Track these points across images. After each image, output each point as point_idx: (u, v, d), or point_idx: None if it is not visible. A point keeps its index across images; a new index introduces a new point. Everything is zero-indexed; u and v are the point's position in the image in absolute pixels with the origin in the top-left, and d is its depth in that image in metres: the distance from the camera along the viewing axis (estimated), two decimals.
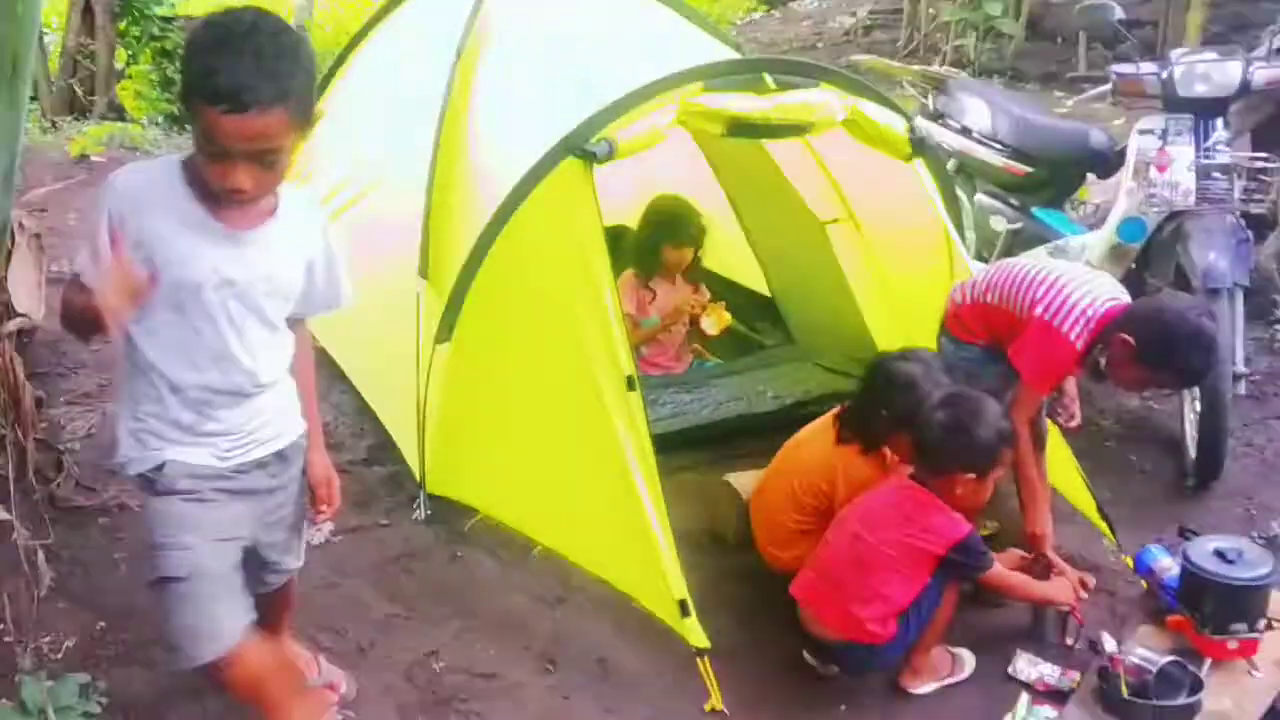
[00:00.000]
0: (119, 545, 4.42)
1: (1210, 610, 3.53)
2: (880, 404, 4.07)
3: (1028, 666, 3.84)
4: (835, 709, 3.85)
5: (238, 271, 2.69)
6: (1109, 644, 3.55)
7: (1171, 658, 3.46)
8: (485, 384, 4.43)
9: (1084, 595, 4.03)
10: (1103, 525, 4.47)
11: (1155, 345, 3.78)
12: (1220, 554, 3.57)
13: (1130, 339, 3.79)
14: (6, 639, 3.77)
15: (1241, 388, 5.15)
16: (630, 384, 4.03)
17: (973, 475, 3.72)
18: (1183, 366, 3.83)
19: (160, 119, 10.83)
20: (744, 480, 4.64)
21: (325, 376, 5.62)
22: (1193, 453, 4.86)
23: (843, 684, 3.93)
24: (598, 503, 4.13)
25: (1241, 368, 4.97)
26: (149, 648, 3.87)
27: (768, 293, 6.11)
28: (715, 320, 5.53)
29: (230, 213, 2.66)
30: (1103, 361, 4.01)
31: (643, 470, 3.99)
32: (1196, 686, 3.42)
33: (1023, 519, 4.18)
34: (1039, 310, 3.99)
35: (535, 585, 4.35)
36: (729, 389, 5.37)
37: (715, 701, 3.79)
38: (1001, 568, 3.84)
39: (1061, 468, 4.49)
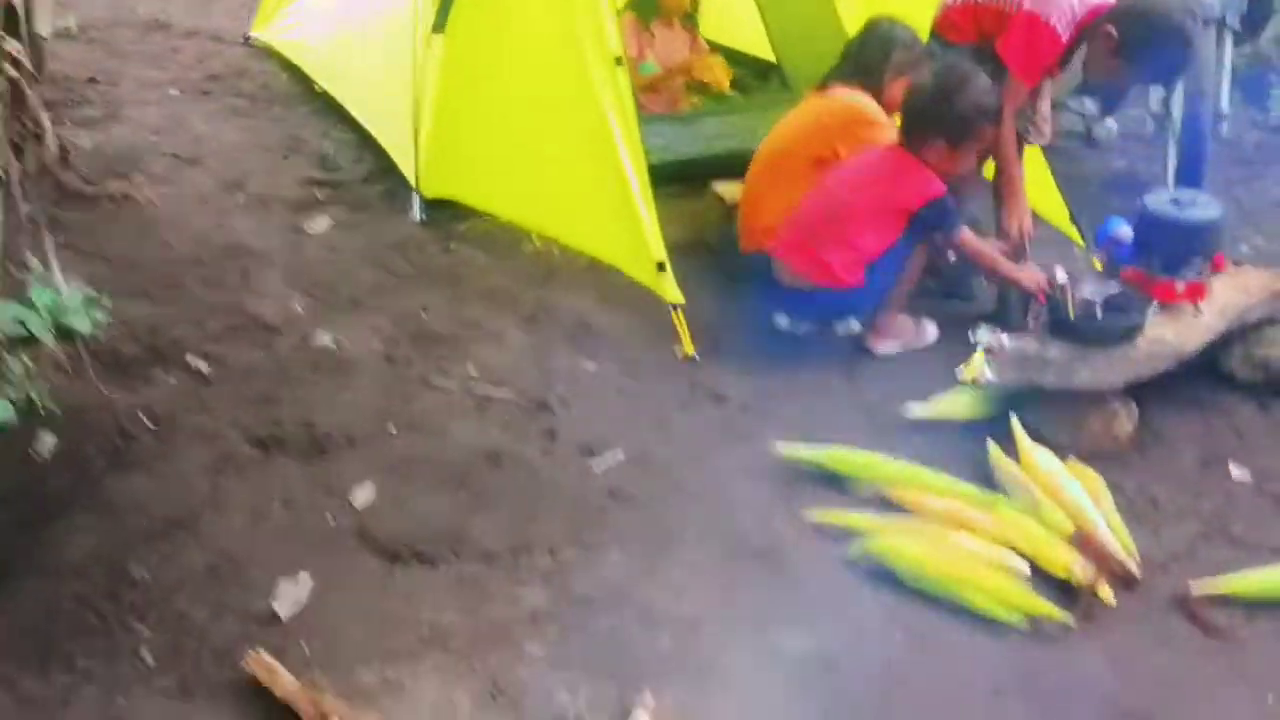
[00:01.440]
0: (123, 221, 4.56)
1: (1162, 251, 3.67)
2: (881, 54, 4.17)
3: (988, 334, 3.96)
4: (802, 362, 4.01)
5: None
6: (1060, 275, 3.69)
7: (1119, 289, 3.59)
8: (478, 73, 4.55)
9: (1048, 289, 4.15)
10: (1073, 232, 4.61)
11: (1136, 38, 3.88)
12: (1175, 201, 3.70)
13: (1113, 31, 3.89)
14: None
15: (1223, 129, 5.23)
16: (618, 62, 4.13)
17: (943, 143, 3.84)
18: (1160, 60, 3.93)
19: None
20: (730, 188, 4.75)
21: (326, 117, 5.79)
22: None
23: (811, 344, 4.08)
24: (584, 179, 4.28)
25: (1224, 108, 5.05)
26: (149, 286, 4.04)
27: (771, 57, 6.16)
28: (712, 70, 5.61)
29: None
30: (1082, 60, 4.11)
31: (627, 144, 4.14)
32: (1141, 316, 3.57)
33: (999, 214, 4.30)
34: (1027, 4, 4.07)
35: (523, 270, 4.50)
36: (722, 127, 5.46)
37: (687, 348, 3.95)
38: (974, 236, 3.97)
39: (1036, 180, 4.59)
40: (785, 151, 4.31)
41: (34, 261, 3.29)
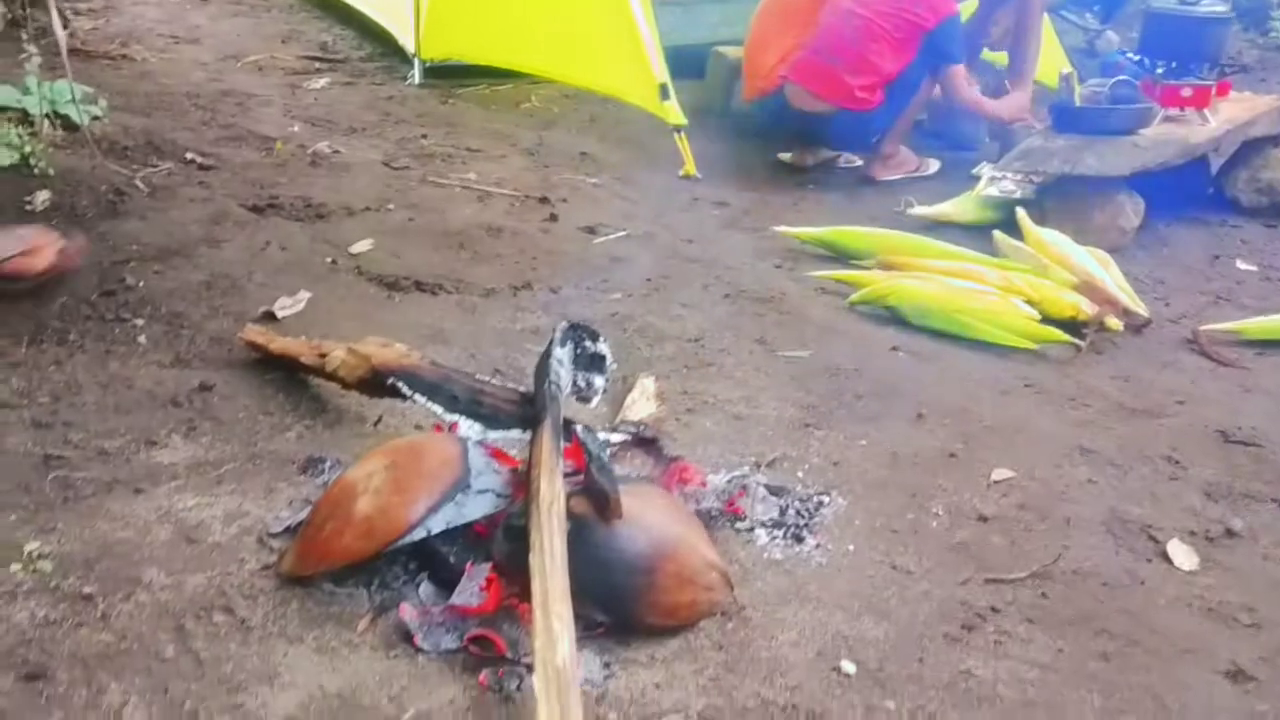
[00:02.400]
0: (122, 71, 4.55)
1: (1167, 52, 3.65)
2: None
3: (990, 170, 3.94)
4: (805, 188, 3.99)
5: None
6: (1064, 68, 3.67)
7: (1124, 78, 3.58)
8: None
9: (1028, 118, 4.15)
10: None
11: None
12: (1181, 1, 3.69)
13: None
14: None
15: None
16: None
17: None
18: None
19: None
20: (733, 50, 4.75)
21: (328, 16, 5.79)
22: None
23: (812, 175, 4.07)
24: (586, 10, 4.26)
25: None
26: (147, 108, 4.02)
27: None
28: None
29: None
30: None
31: None
32: (1148, 104, 3.55)
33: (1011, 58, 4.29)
34: None
35: (523, 120, 4.49)
36: (723, 14, 5.44)
37: (689, 168, 3.93)
38: (965, 74, 3.96)
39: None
40: None
41: (34, 61, 3.27)
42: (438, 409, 1.91)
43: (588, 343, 1.96)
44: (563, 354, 1.89)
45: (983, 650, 1.69)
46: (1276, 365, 2.81)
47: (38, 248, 2.54)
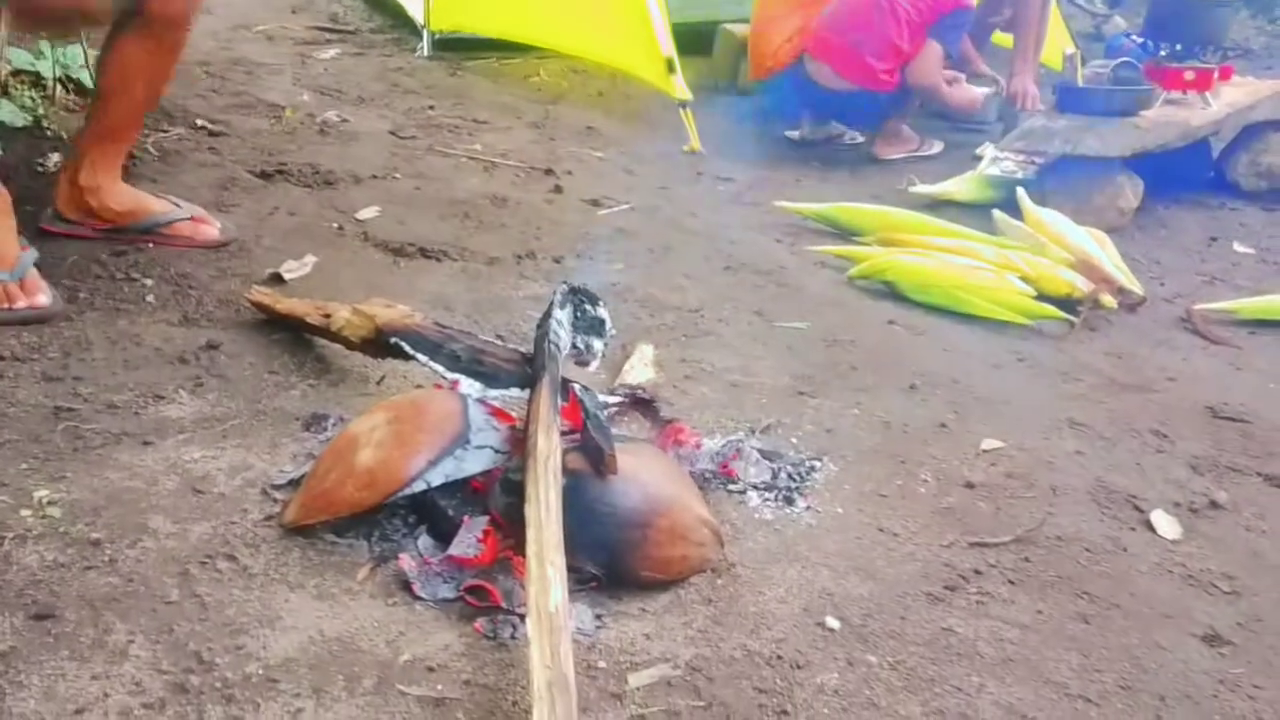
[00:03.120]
0: None
1: (1171, 34, 3.68)
2: None
3: (992, 151, 3.96)
4: (809, 165, 4.02)
5: None
6: (1068, 49, 3.70)
7: (1127, 60, 3.60)
8: None
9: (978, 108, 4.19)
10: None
11: None
12: None
13: None
14: None
15: None
16: None
17: None
18: None
19: None
20: (741, 27, 4.78)
21: None
22: None
23: (817, 151, 4.11)
24: None
25: None
26: None
27: None
28: None
29: None
30: None
31: None
32: (1149, 87, 3.57)
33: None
34: None
35: (530, 93, 4.52)
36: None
37: (694, 143, 3.97)
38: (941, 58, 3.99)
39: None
40: None
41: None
42: (440, 368, 1.96)
43: (588, 306, 2.00)
44: (563, 316, 1.94)
45: (964, 610, 1.74)
46: (1268, 344, 2.84)
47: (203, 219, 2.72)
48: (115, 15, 2.48)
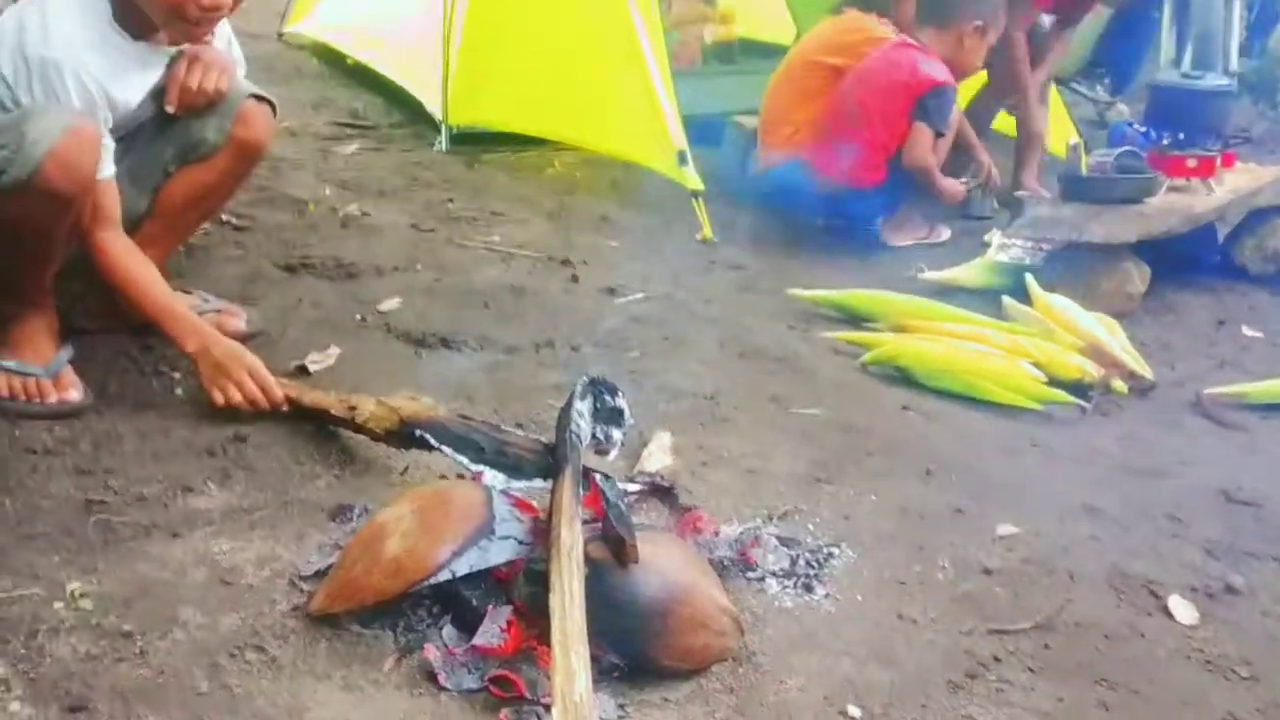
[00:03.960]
0: None
1: (1173, 124, 3.76)
2: None
3: (1000, 237, 4.01)
4: (819, 252, 4.09)
5: None
6: (1072, 138, 3.78)
7: (1130, 148, 3.68)
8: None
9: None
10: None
11: None
12: (1185, 75, 3.81)
13: None
14: None
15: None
16: None
17: (979, 24, 3.97)
18: None
19: None
20: (749, 118, 4.89)
21: (358, 84, 5.97)
22: None
23: (830, 237, 4.18)
24: (607, 76, 4.42)
25: (1234, 65, 5.19)
26: None
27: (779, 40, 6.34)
28: (722, 22, 5.79)
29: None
30: None
31: (649, 35, 4.27)
32: (1153, 173, 3.65)
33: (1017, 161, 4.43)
34: None
35: (546, 184, 4.62)
36: (739, 86, 5.59)
37: (706, 232, 4.04)
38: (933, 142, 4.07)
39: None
40: (807, 63, 4.43)
41: None
42: (464, 460, 2.00)
43: (607, 397, 2.05)
44: (583, 407, 1.98)
45: (985, 698, 1.75)
46: (1278, 429, 2.87)
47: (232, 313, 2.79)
48: (205, 150, 2.57)
